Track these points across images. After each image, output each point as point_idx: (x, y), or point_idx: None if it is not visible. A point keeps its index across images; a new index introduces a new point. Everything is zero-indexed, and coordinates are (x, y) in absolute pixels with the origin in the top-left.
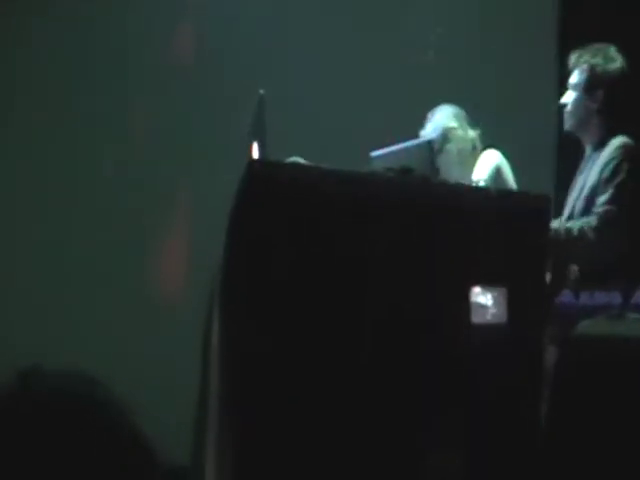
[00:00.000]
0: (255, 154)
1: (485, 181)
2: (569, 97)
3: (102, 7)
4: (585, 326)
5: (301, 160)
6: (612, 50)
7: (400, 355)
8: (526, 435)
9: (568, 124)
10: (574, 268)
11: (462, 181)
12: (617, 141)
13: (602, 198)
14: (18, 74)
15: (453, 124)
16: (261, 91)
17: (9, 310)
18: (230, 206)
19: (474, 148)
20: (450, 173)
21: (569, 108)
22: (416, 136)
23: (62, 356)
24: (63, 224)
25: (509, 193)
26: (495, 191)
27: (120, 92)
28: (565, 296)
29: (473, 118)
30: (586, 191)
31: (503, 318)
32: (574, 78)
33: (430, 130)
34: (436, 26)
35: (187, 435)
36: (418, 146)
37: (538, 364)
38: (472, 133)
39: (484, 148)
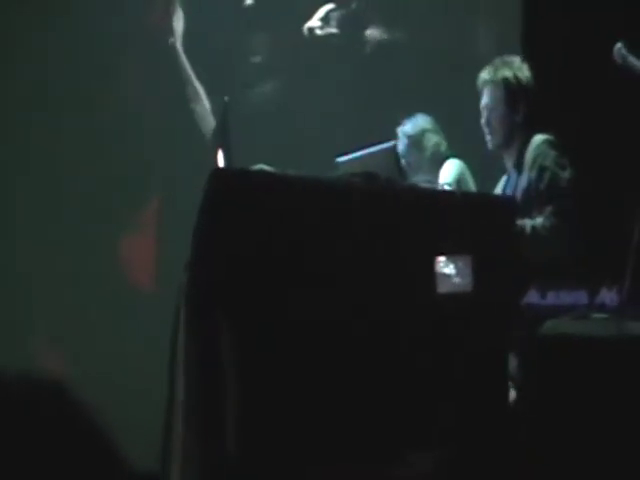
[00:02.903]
0: (220, 161)
1: (450, 185)
2: (490, 115)
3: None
4: (550, 326)
5: (266, 167)
6: (517, 61)
7: (372, 336)
8: (495, 405)
9: (494, 143)
10: None
11: (429, 184)
12: (538, 138)
13: (546, 201)
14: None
15: (432, 128)
16: (225, 98)
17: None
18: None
19: (444, 158)
20: (420, 171)
21: (494, 126)
22: (383, 141)
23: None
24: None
25: (475, 193)
26: (461, 192)
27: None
28: (531, 296)
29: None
30: (519, 195)
31: (468, 287)
32: (490, 94)
33: (408, 127)
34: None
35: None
36: (383, 151)
37: (505, 330)
38: (445, 144)
39: (447, 157)
